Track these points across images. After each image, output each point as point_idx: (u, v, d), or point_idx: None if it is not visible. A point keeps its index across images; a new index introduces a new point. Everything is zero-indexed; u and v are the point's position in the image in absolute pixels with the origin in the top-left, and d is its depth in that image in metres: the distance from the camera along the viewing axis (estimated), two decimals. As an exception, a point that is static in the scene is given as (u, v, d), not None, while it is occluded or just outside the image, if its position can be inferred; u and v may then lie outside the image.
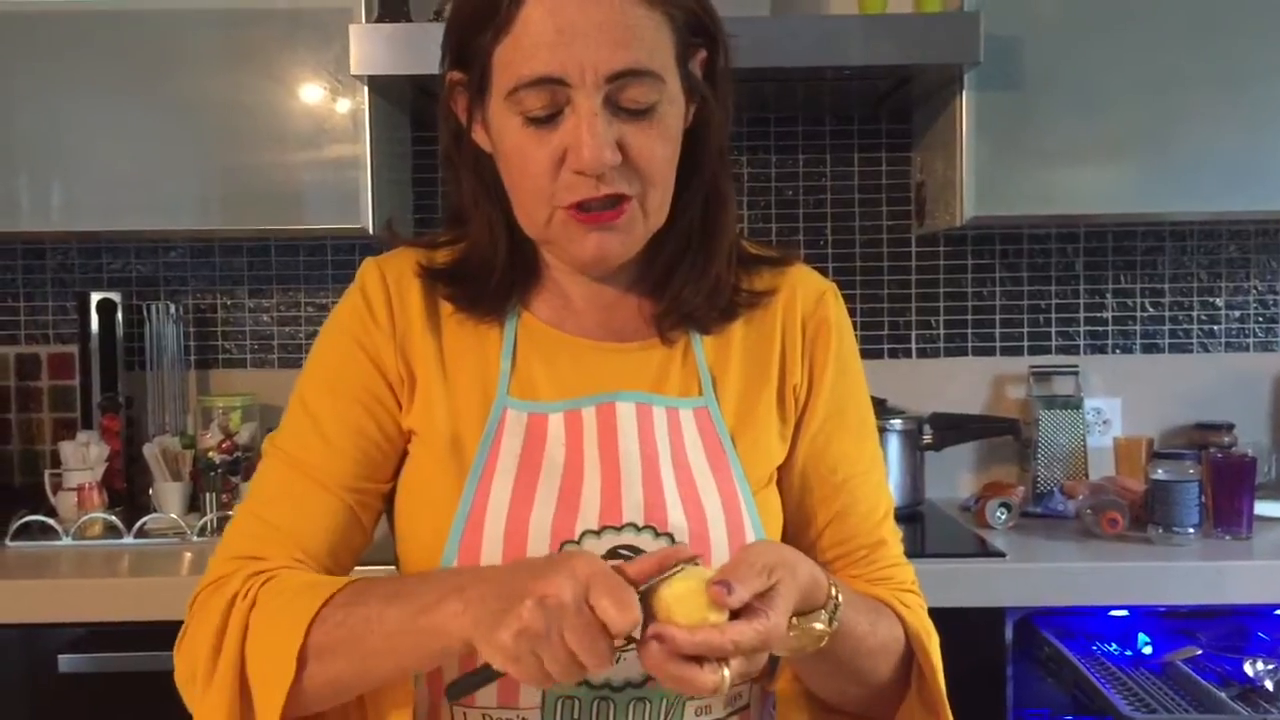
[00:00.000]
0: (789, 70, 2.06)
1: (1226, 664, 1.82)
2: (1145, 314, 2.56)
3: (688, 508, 1.03)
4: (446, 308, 1.10)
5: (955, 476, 2.53)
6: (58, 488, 2.27)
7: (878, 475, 1.15)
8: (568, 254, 1.04)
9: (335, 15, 2.13)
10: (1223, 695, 1.66)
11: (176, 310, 2.49)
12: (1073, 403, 2.45)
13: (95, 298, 2.42)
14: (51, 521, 2.15)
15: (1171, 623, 1.96)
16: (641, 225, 1.02)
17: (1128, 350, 2.56)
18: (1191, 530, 2.04)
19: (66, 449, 2.28)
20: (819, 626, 0.95)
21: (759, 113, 2.51)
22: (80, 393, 2.45)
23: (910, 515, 2.31)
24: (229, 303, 2.56)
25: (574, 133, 0.96)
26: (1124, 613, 1.96)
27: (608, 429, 1.05)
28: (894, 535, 1.15)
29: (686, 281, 1.08)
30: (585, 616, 0.83)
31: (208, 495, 2.25)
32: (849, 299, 1.18)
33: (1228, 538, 2.09)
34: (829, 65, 2.05)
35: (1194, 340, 2.56)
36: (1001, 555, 1.98)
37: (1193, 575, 1.92)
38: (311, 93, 2.18)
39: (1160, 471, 2.07)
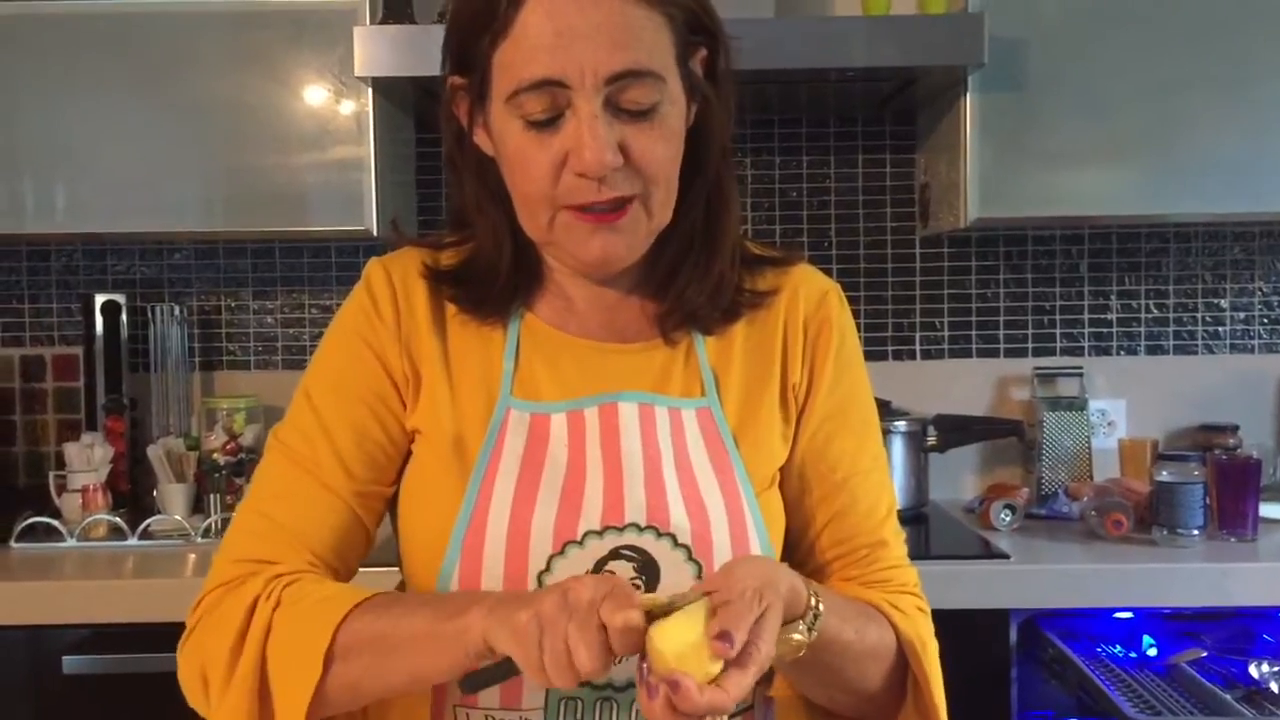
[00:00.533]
0: (793, 72, 2.06)
1: (1231, 666, 1.81)
2: (1150, 315, 2.56)
3: (690, 508, 1.03)
4: (451, 308, 1.10)
5: (959, 478, 2.53)
6: (62, 489, 2.27)
7: (879, 475, 1.14)
8: (572, 256, 1.04)
9: (339, 17, 2.14)
10: (1228, 697, 1.65)
11: (181, 312, 2.49)
12: (1077, 404, 2.45)
13: (100, 299, 2.42)
14: (56, 523, 2.15)
15: (1176, 625, 1.95)
16: (645, 226, 1.02)
17: (1132, 352, 2.56)
18: (1196, 532, 2.03)
19: (71, 450, 2.29)
20: (796, 637, 0.94)
21: (763, 114, 2.51)
22: (85, 394, 2.45)
23: (914, 517, 2.31)
24: (233, 304, 2.56)
25: (575, 136, 0.96)
26: (1129, 615, 1.96)
27: (610, 429, 1.05)
28: (896, 536, 1.14)
29: (690, 281, 1.08)
30: (593, 616, 0.84)
31: (212, 497, 2.25)
32: (853, 300, 1.18)
33: (1233, 539, 2.08)
34: (833, 67, 2.05)
35: (1199, 342, 2.55)
36: (1006, 557, 1.98)
37: (1197, 577, 1.92)
38: (315, 94, 2.18)
39: (1165, 473, 2.06)
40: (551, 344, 1.09)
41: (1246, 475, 2.10)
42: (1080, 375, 2.50)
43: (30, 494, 2.44)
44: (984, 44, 2.00)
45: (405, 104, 2.33)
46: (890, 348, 2.55)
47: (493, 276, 1.08)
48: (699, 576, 1.02)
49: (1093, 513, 2.13)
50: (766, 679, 0.99)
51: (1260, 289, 2.55)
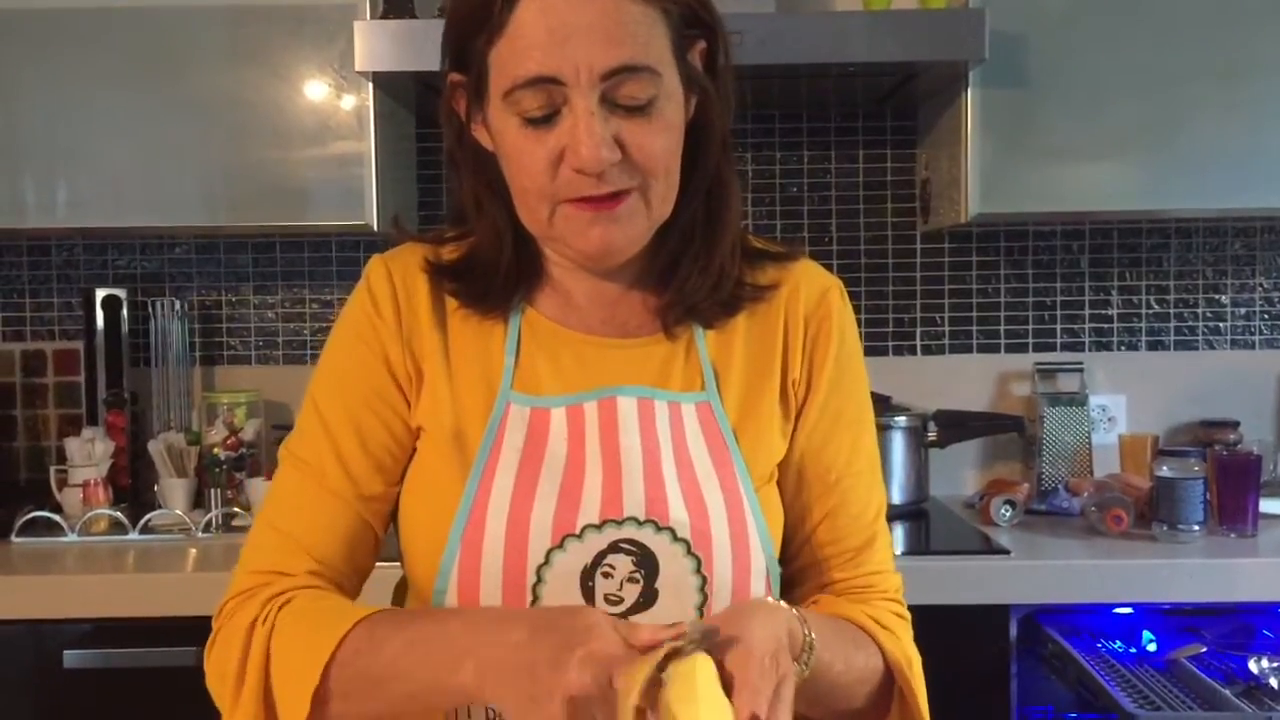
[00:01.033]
0: (794, 67, 2.06)
1: (1231, 661, 1.81)
2: (1150, 311, 2.55)
3: (689, 503, 1.03)
4: (452, 303, 1.10)
5: (960, 474, 2.53)
6: (63, 484, 2.27)
7: (872, 476, 1.15)
8: (572, 248, 1.04)
9: (340, 12, 2.14)
10: (1227, 693, 1.65)
11: (181, 306, 2.49)
12: (1078, 400, 2.45)
13: (100, 294, 2.43)
14: (57, 517, 2.16)
15: (1176, 620, 1.96)
16: (645, 217, 1.02)
17: (1133, 347, 2.56)
18: (1196, 528, 2.04)
19: (72, 445, 2.29)
20: None
21: (764, 109, 2.51)
22: (86, 389, 2.45)
23: (914, 513, 2.31)
24: (234, 299, 2.56)
25: (571, 132, 0.96)
26: (1129, 610, 1.96)
27: (609, 424, 1.05)
28: (884, 537, 1.14)
29: (691, 274, 1.08)
30: (613, 702, 0.83)
31: (213, 491, 2.25)
32: (853, 296, 1.18)
33: (1233, 535, 2.08)
34: (834, 62, 2.05)
35: (1199, 337, 2.55)
36: (1006, 553, 1.98)
37: (1197, 573, 1.92)
38: (316, 89, 2.18)
39: (1165, 469, 2.06)
40: (552, 338, 1.10)
41: (1247, 471, 2.10)
42: (1081, 371, 2.50)
43: (31, 489, 2.44)
44: (985, 39, 2.00)
45: (406, 99, 2.33)
46: (891, 343, 2.55)
47: (493, 271, 1.09)
48: (697, 571, 1.02)
49: (1093, 508, 2.13)
50: None
51: (1261, 284, 2.55)
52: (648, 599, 1.01)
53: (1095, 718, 1.90)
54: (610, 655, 0.84)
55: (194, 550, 2.08)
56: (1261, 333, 2.55)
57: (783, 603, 0.98)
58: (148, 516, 2.17)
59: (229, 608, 1.05)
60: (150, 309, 2.46)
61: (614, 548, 1.01)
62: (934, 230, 2.48)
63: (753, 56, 1.95)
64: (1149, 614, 1.96)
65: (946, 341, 2.56)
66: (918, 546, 2.10)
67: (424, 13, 2.14)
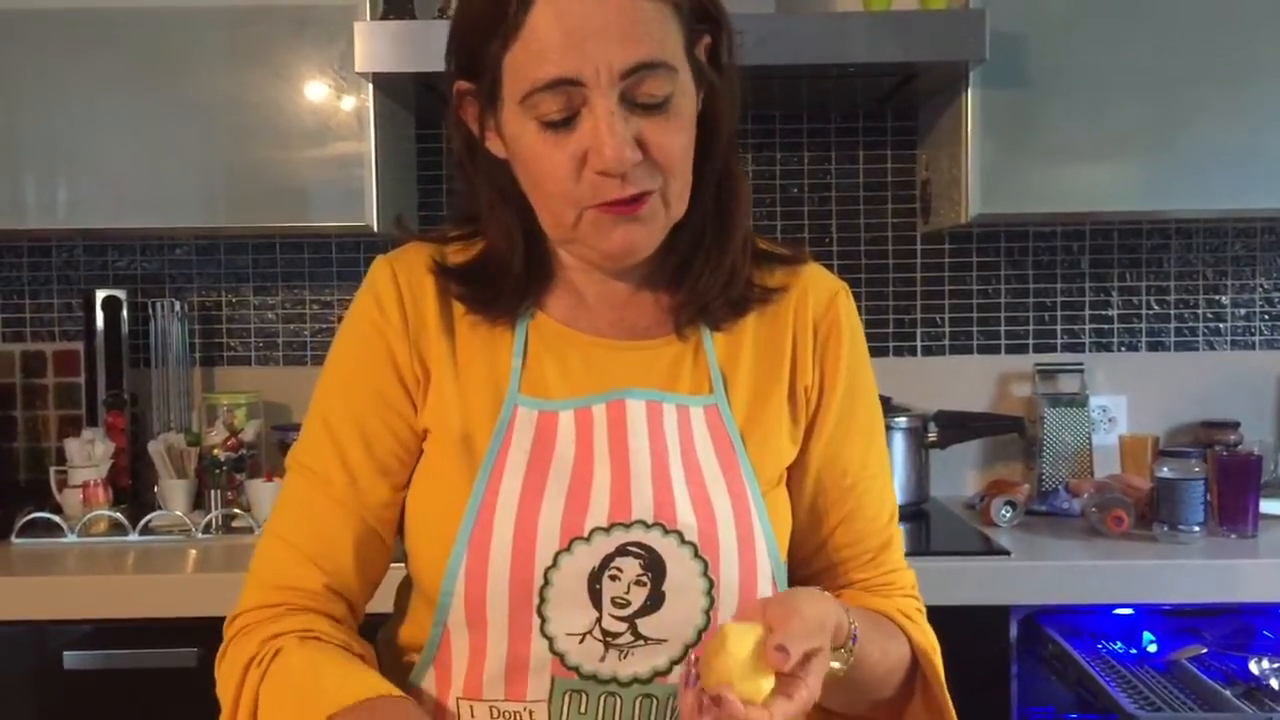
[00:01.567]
0: (794, 67, 2.06)
1: (1232, 662, 1.81)
2: (1151, 312, 2.55)
3: (697, 506, 1.03)
4: (460, 306, 1.10)
5: (960, 474, 2.53)
6: (63, 485, 2.27)
7: (884, 478, 1.16)
8: (596, 250, 1.03)
9: (340, 12, 2.13)
10: (1228, 694, 1.65)
11: (182, 307, 2.49)
12: (1078, 400, 2.45)
13: (101, 295, 2.42)
14: (57, 518, 2.16)
15: (1177, 621, 1.95)
16: (664, 216, 1.02)
17: (1133, 348, 2.56)
18: (1197, 528, 2.04)
19: (72, 446, 2.29)
20: (836, 665, 0.97)
21: (764, 110, 2.51)
22: (86, 390, 2.45)
23: (915, 513, 2.31)
24: (234, 300, 2.56)
25: (593, 134, 0.96)
26: (1129, 611, 1.96)
27: (618, 427, 1.05)
28: (898, 538, 1.16)
29: (703, 270, 1.08)
30: None
31: (212, 492, 2.25)
32: (854, 297, 1.18)
33: (1233, 536, 2.08)
34: (834, 62, 2.05)
35: (1199, 338, 2.55)
36: (1006, 553, 1.98)
37: (1198, 573, 1.92)
38: (316, 90, 2.18)
39: (1166, 469, 2.06)
40: (560, 341, 1.09)
41: (1247, 472, 2.10)
42: (1081, 371, 2.50)
43: (31, 489, 2.44)
44: (985, 39, 2.00)
45: (406, 99, 2.33)
46: (891, 344, 2.55)
47: (504, 277, 1.08)
48: (705, 574, 1.02)
49: (1093, 509, 2.13)
50: None
51: (1261, 285, 2.55)
52: (655, 602, 1.01)
53: (1096, 718, 1.90)
54: None
55: (194, 551, 2.08)
56: (1262, 333, 2.55)
57: (829, 595, 0.99)
58: (148, 517, 2.17)
59: (240, 621, 1.05)
60: (150, 310, 2.46)
61: (622, 551, 1.01)
62: (934, 231, 2.48)
63: (753, 57, 1.94)
64: (1149, 615, 1.96)
65: (947, 342, 2.56)
66: (918, 547, 2.10)
67: (424, 14, 2.14)
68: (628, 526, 1.02)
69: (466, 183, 1.10)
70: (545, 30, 0.95)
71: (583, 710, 1.02)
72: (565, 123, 0.97)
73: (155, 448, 2.31)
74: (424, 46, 1.98)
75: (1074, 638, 1.90)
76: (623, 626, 1.01)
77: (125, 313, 2.44)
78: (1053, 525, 2.21)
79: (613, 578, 1.01)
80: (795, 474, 1.12)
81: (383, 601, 1.14)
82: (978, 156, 2.15)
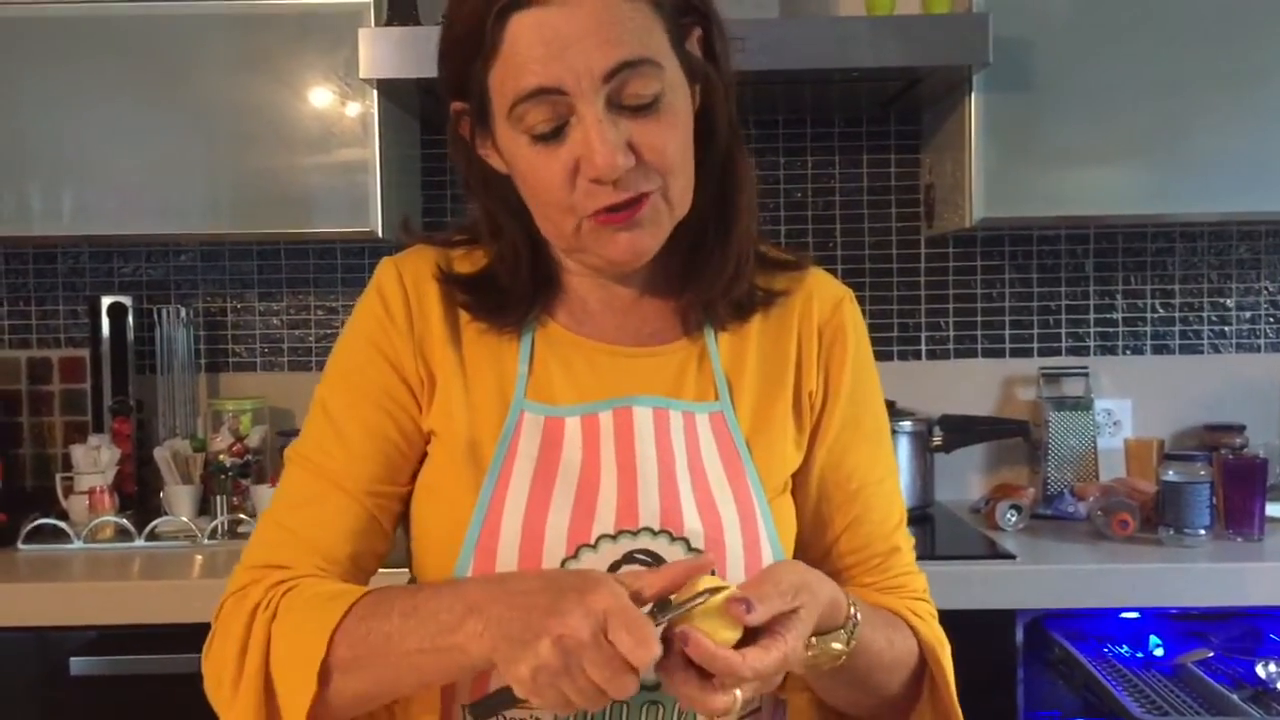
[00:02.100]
0: (797, 72, 2.06)
1: (1238, 666, 1.81)
2: (1156, 315, 2.55)
3: (703, 513, 1.03)
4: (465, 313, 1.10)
5: (965, 478, 2.53)
6: (69, 491, 2.28)
7: (892, 482, 1.15)
8: (600, 257, 1.03)
9: (344, 19, 2.14)
10: (1234, 698, 1.65)
11: (187, 314, 2.50)
12: (1083, 404, 2.45)
13: (106, 301, 2.43)
14: (63, 525, 2.16)
15: (1183, 625, 1.95)
16: (667, 215, 1.02)
17: (1138, 351, 2.55)
18: (1203, 532, 2.03)
19: (78, 452, 2.29)
20: (837, 646, 0.96)
21: (767, 114, 2.51)
22: (91, 396, 2.46)
23: (920, 517, 2.30)
24: (239, 306, 2.56)
25: (583, 143, 0.96)
26: (1135, 615, 1.96)
27: (625, 433, 1.05)
28: (907, 542, 1.16)
29: (708, 260, 1.08)
30: (606, 651, 0.83)
31: (218, 498, 2.25)
32: (858, 301, 1.18)
33: (1239, 539, 2.08)
34: (837, 67, 2.05)
35: (1205, 341, 2.55)
36: (1012, 557, 1.98)
37: (1204, 577, 1.92)
38: (320, 96, 2.18)
39: (1171, 473, 2.06)
40: (566, 347, 1.09)
41: (1253, 475, 2.10)
42: (1086, 375, 2.50)
43: (37, 496, 2.44)
44: (989, 43, 2.00)
45: (410, 106, 2.34)
46: (895, 348, 2.55)
47: (511, 287, 1.08)
48: None
49: (1099, 513, 2.13)
50: (781, 680, 0.99)
51: (1266, 288, 2.55)
52: (661, 609, 1.01)
53: (1102, 722, 1.90)
54: (609, 607, 0.84)
55: (199, 557, 2.08)
56: (1267, 336, 2.55)
57: (817, 570, 0.99)
58: (153, 523, 2.17)
59: (227, 606, 1.03)
60: (156, 316, 2.47)
61: (629, 558, 1.01)
62: (938, 235, 2.48)
63: (756, 62, 1.95)
64: (1155, 618, 1.95)
65: (951, 346, 2.56)
66: (923, 551, 2.09)
67: (428, 20, 2.15)
68: (635, 534, 1.02)
69: (472, 199, 1.10)
70: (523, 43, 0.95)
71: (589, 716, 1.02)
72: (555, 134, 0.97)
73: (161, 454, 2.31)
74: (428, 52, 1.93)
75: (1080, 641, 1.90)
76: None
77: (131, 319, 2.45)
78: (1058, 529, 2.20)
79: None
80: (799, 480, 1.12)
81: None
82: (981, 160, 2.16)
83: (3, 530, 2.17)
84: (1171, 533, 2.04)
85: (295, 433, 1.14)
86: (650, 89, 0.97)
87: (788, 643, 0.87)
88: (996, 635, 1.91)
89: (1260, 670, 1.76)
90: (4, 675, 1.91)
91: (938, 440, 2.34)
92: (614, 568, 1.01)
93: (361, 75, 2.05)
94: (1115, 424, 2.52)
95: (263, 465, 2.35)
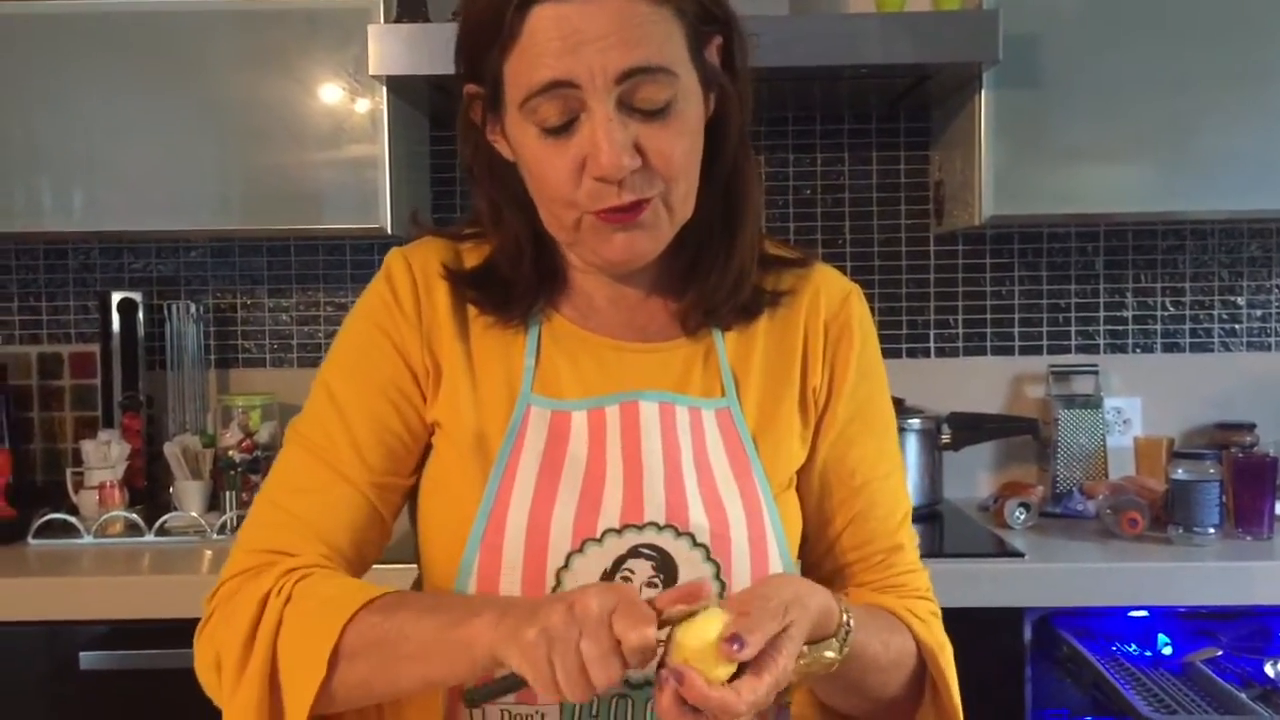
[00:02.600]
0: (807, 69, 2.06)
1: (1247, 665, 1.81)
2: (1166, 313, 2.55)
3: (709, 508, 1.03)
4: (473, 307, 1.10)
5: (974, 476, 2.53)
6: (79, 486, 2.29)
7: (897, 479, 1.15)
8: (597, 255, 1.03)
9: (354, 15, 2.14)
10: (1243, 696, 1.65)
11: (197, 310, 2.50)
12: (1092, 402, 2.44)
13: (116, 297, 2.44)
14: (73, 519, 2.17)
15: (1191, 623, 1.95)
16: (667, 221, 1.02)
17: (1148, 349, 2.55)
18: (1212, 530, 2.03)
19: (88, 447, 2.30)
20: (829, 654, 0.96)
21: (777, 111, 2.51)
22: (102, 391, 2.46)
23: (928, 515, 2.30)
24: (249, 302, 2.57)
25: (591, 139, 0.96)
26: (1143, 613, 1.95)
27: (631, 428, 1.05)
28: (911, 540, 1.15)
29: (711, 272, 1.08)
30: (605, 630, 0.84)
31: (228, 494, 2.26)
32: (867, 298, 1.18)
33: (1248, 538, 2.08)
34: (847, 64, 2.05)
35: (1215, 339, 2.54)
36: (1020, 555, 1.98)
37: (1213, 576, 1.92)
38: (330, 93, 2.19)
39: (1180, 471, 2.06)
40: (573, 342, 1.10)
41: (1263, 473, 2.09)
42: (1096, 373, 2.50)
43: (47, 491, 2.45)
44: (999, 41, 2.00)
45: (420, 102, 2.34)
46: (904, 345, 2.55)
47: (514, 280, 1.09)
48: (717, 576, 1.02)
49: (1108, 511, 2.12)
50: (785, 689, 0.99)
51: (1277, 286, 2.54)
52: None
53: (1110, 721, 1.90)
54: (624, 595, 0.86)
55: (209, 552, 2.09)
56: (1278, 334, 2.54)
57: (809, 580, 0.99)
58: (163, 518, 2.18)
59: (228, 587, 1.03)
60: (166, 312, 2.48)
61: (634, 552, 1.01)
62: (948, 232, 2.48)
63: (766, 59, 1.93)
64: (1164, 617, 1.95)
65: (960, 344, 2.55)
66: (931, 549, 2.10)
67: (438, 16, 2.15)
68: (640, 528, 1.02)
69: (474, 186, 1.10)
70: (542, 35, 0.95)
71: (594, 714, 1.02)
72: (565, 128, 0.97)
73: (171, 449, 2.32)
74: (438, 49, 1.97)
75: (1088, 640, 1.90)
76: None
77: (141, 315, 2.46)
78: (1067, 527, 2.20)
79: (625, 579, 1.01)
80: (804, 475, 1.12)
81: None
82: (991, 158, 2.15)
83: (13, 525, 2.18)
84: (1181, 531, 2.04)
85: (304, 430, 1.14)
86: (662, 95, 0.97)
87: (779, 665, 0.87)
88: (1005, 633, 1.91)
89: (1269, 669, 1.75)
90: (14, 670, 1.92)
91: (946, 438, 2.34)
92: (619, 562, 1.01)
93: (371, 72, 2.05)
94: (1125, 422, 2.52)
95: (272, 461, 2.35)
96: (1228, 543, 2.05)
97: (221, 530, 2.17)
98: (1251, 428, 2.42)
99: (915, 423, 2.30)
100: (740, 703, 0.85)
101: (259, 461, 2.30)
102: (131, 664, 1.90)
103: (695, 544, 1.02)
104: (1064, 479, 2.40)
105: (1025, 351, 2.55)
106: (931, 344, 2.55)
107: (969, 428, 2.37)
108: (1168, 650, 1.92)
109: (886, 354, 1.18)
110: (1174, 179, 2.16)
